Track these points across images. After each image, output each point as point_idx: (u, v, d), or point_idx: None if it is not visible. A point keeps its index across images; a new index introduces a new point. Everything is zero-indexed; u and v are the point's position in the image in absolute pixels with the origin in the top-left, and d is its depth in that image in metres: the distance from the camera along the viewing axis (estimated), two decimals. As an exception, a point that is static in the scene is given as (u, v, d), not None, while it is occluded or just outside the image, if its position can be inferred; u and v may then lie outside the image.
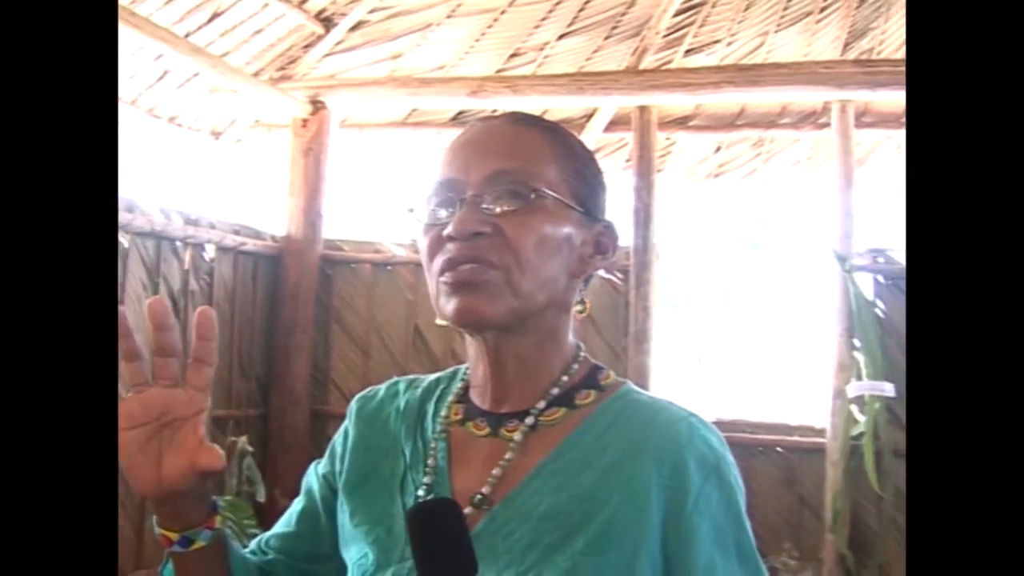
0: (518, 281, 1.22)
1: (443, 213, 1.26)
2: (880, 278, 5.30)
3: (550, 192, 1.25)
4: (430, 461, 1.30)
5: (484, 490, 1.24)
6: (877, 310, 5.23)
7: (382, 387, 1.46)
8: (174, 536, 1.23)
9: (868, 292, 5.25)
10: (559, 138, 1.32)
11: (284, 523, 1.45)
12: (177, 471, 1.15)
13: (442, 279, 1.23)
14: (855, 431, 5.10)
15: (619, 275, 5.63)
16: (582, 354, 1.34)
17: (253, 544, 1.46)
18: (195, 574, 1.28)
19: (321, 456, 1.46)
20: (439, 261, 1.24)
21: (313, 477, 1.44)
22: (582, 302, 1.33)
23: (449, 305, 1.23)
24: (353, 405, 1.45)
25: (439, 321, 1.28)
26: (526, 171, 1.24)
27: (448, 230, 1.22)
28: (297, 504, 1.45)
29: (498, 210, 1.23)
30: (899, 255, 5.30)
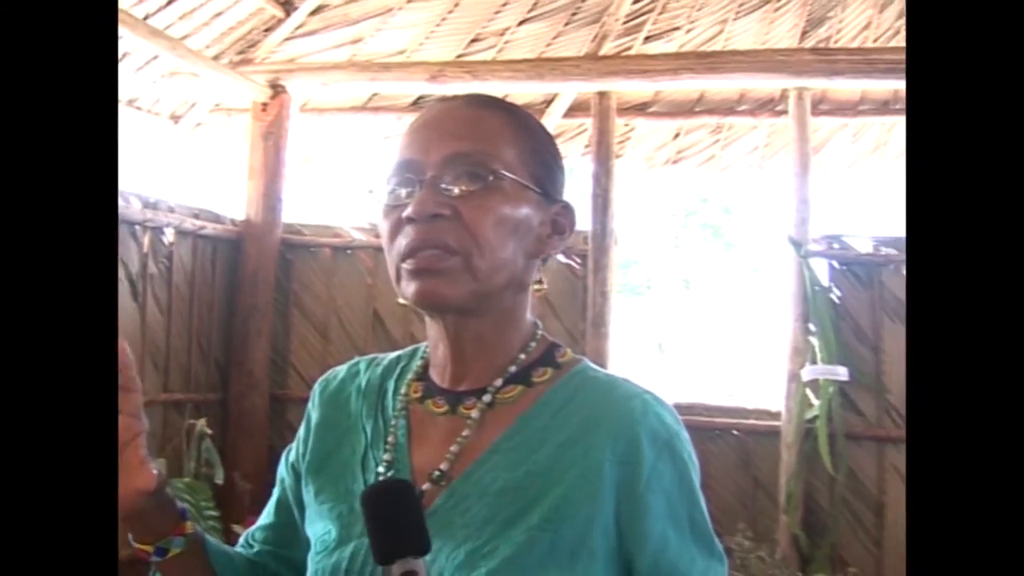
0: (477, 264, 1.23)
1: (402, 194, 1.27)
2: (835, 264, 5.35)
3: (508, 173, 1.26)
4: (390, 438, 1.32)
5: (442, 467, 1.26)
6: (832, 295, 5.28)
7: (343, 368, 1.48)
8: (149, 548, 1.27)
9: (823, 277, 5.30)
10: (518, 119, 1.33)
11: (265, 515, 1.49)
12: (126, 493, 1.18)
13: (403, 265, 1.25)
14: (809, 414, 5.16)
15: (577, 260, 5.65)
16: (539, 332, 1.36)
17: (242, 539, 1.49)
18: None
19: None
20: (399, 244, 1.25)
21: (284, 467, 1.46)
22: (540, 281, 1.35)
23: (410, 288, 1.25)
24: (316, 388, 1.47)
25: (400, 300, 1.29)
26: (485, 152, 1.26)
27: (407, 212, 1.23)
28: (274, 495, 1.48)
29: (457, 191, 1.24)
30: (854, 241, 5.35)
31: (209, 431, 5.07)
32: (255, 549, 1.46)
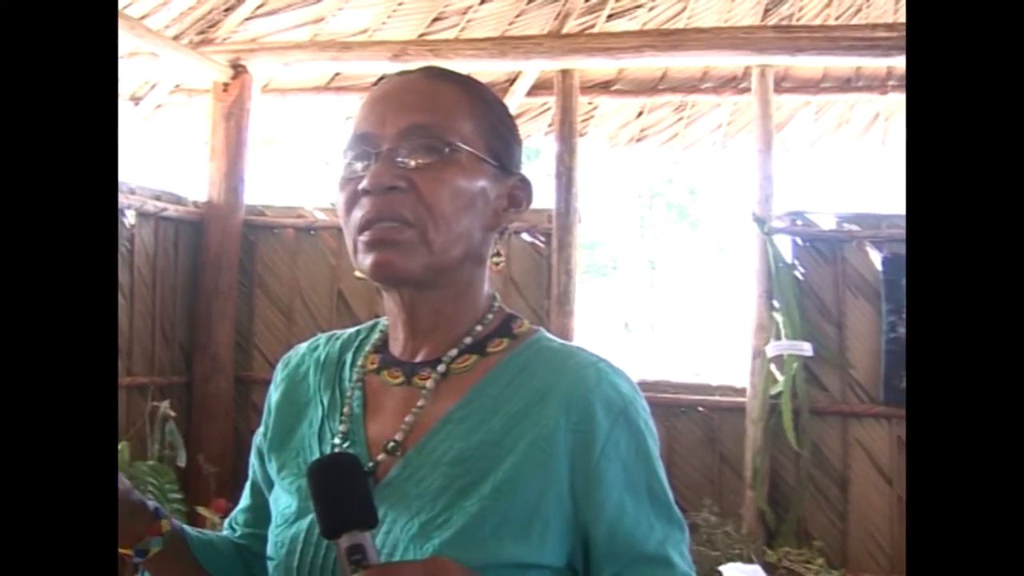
0: (433, 237, 1.23)
1: (359, 166, 1.26)
2: (798, 240, 5.37)
3: (464, 146, 1.26)
4: (345, 409, 1.33)
5: (397, 437, 1.26)
6: (796, 272, 5.30)
7: (304, 345, 1.49)
8: (129, 551, 1.29)
9: (787, 254, 5.32)
10: (474, 92, 1.33)
11: (243, 497, 1.51)
12: None
13: (360, 238, 1.25)
14: (774, 390, 5.18)
15: (541, 238, 5.65)
16: (497, 304, 1.36)
17: (226, 523, 1.52)
18: (165, 573, 1.35)
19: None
20: (356, 217, 1.25)
21: (254, 450, 1.47)
22: (498, 253, 1.35)
23: (366, 260, 1.24)
24: (278, 366, 1.48)
25: (357, 273, 1.29)
26: (441, 125, 1.25)
27: (363, 184, 1.23)
28: (250, 478, 1.49)
29: (413, 164, 1.24)
30: (817, 218, 5.38)
31: (172, 413, 5.04)
32: (238, 532, 1.48)
